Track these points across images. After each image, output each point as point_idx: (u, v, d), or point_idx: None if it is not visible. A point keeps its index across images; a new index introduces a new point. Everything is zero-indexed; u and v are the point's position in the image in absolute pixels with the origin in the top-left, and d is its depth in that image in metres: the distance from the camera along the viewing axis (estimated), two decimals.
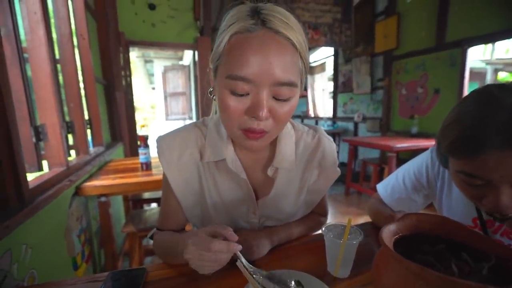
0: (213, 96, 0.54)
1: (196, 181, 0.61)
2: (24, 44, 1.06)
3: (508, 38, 2.27)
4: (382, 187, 0.79)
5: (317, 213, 0.74)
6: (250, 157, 0.61)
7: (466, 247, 0.32)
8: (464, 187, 0.50)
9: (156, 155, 0.62)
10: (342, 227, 0.54)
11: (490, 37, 2.38)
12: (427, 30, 2.90)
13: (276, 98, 0.45)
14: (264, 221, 0.66)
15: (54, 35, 1.35)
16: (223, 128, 0.58)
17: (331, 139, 0.67)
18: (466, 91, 2.65)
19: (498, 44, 2.64)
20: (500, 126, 0.41)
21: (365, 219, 0.79)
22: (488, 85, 0.48)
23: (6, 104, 0.75)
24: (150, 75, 8.35)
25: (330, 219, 0.68)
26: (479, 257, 0.30)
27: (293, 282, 0.45)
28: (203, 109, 3.17)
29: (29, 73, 1.09)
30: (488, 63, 5.50)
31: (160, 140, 0.60)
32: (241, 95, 0.44)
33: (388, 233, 0.33)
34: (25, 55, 1.08)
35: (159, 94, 6.61)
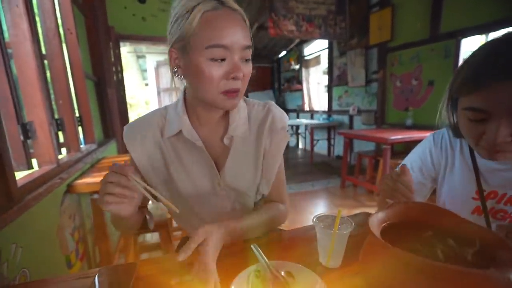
0: (180, 76, 0.60)
1: (159, 158, 0.66)
2: (7, 40, 1.03)
3: (502, 28, 2.26)
4: None
5: (276, 201, 0.75)
6: (206, 129, 0.66)
7: (453, 234, 0.31)
8: (467, 126, 0.55)
9: None
10: (333, 217, 0.54)
11: (483, 27, 2.38)
12: (421, 21, 2.89)
13: (243, 60, 0.56)
14: (232, 195, 0.69)
15: (40, 30, 1.32)
16: (180, 107, 0.64)
17: (282, 111, 0.71)
18: None
19: (492, 35, 2.63)
20: (505, 60, 0.46)
21: (362, 211, 0.79)
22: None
23: None
24: (143, 70, 8.22)
25: (326, 211, 0.68)
26: (464, 243, 0.29)
27: (284, 273, 0.45)
28: None
29: (14, 70, 1.06)
30: None
31: (126, 127, 0.67)
32: (220, 61, 0.53)
33: (376, 221, 0.33)
34: (9, 50, 1.05)
35: (153, 89, 6.53)
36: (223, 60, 0.53)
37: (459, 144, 0.71)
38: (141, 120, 0.68)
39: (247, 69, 0.57)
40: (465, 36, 2.54)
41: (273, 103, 0.72)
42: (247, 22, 0.58)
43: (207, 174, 0.66)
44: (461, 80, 0.54)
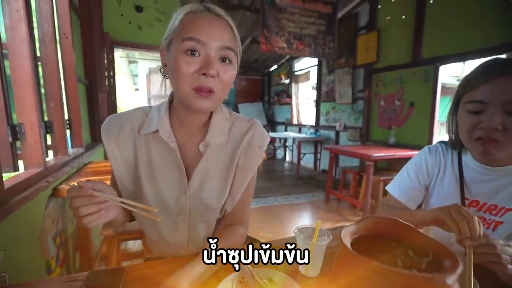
0: (165, 74, 0.61)
1: (131, 154, 0.65)
2: (4, 41, 1.04)
3: (477, 58, 2.44)
4: (391, 185, 0.90)
5: (236, 222, 0.71)
6: (185, 134, 0.66)
7: (412, 246, 0.37)
8: (466, 119, 0.68)
9: None
10: (313, 229, 0.58)
11: (460, 56, 2.58)
12: (404, 46, 3.10)
13: (222, 60, 0.56)
14: (195, 209, 0.65)
15: (36, 32, 1.33)
16: (163, 107, 0.65)
17: (265, 131, 0.71)
18: (438, 105, 2.83)
19: (468, 63, 2.84)
20: (503, 62, 0.63)
21: (343, 225, 0.85)
22: None
23: None
24: (134, 75, 8.16)
25: (309, 224, 0.70)
26: (421, 254, 0.35)
27: (266, 279, 0.48)
28: None
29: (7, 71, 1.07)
30: (458, 79, 5.94)
31: (107, 118, 0.66)
32: (193, 54, 0.54)
33: (348, 233, 0.37)
34: (4, 51, 1.06)
35: (143, 95, 6.50)
36: (194, 53, 0.53)
37: (450, 157, 0.81)
38: (123, 114, 0.67)
39: (225, 71, 0.56)
40: (443, 63, 2.74)
41: (258, 121, 0.71)
42: (234, 29, 0.59)
43: (176, 179, 0.64)
44: (467, 81, 0.69)
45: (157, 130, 0.62)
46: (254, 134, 0.68)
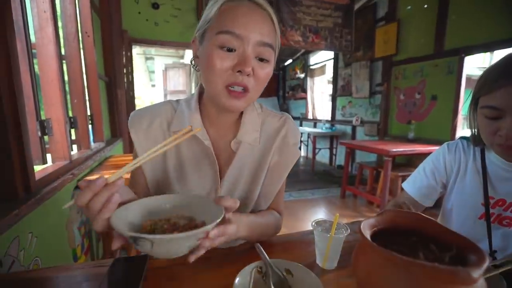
0: (196, 66, 0.58)
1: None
2: (33, 41, 1.10)
3: (505, 47, 2.31)
4: (406, 182, 0.88)
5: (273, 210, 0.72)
6: (215, 131, 0.63)
7: (434, 240, 0.36)
8: (484, 124, 0.64)
9: None
10: (331, 222, 0.58)
11: (487, 46, 2.43)
12: (426, 37, 2.96)
13: (259, 58, 0.52)
14: None
15: (60, 32, 1.39)
16: (193, 102, 0.62)
17: (297, 127, 0.69)
18: (462, 98, 2.70)
19: (496, 53, 2.67)
20: None
21: (360, 220, 0.84)
22: None
23: (17, 99, 0.79)
24: (151, 72, 8.36)
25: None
26: (444, 248, 0.34)
27: (283, 270, 0.49)
28: None
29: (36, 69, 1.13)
30: None
31: (133, 113, 0.64)
32: (229, 50, 0.50)
33: (367, 225, 0.37)
34: (33, 51, 1.12)
35: (159, 91, 6.64)
36: (231, 50, 0.49)
37: (472, 153, 0.77)
38: (149, 108, 0.64)
39: (262, 70, 0.53)
40: (469, 54, 2.59)
41: (290, 116, 0.69)
42: (274, 21, 0.54)
43: (208, 178, 0.62)
44: (482, 82, 0.64)
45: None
46: (288, 131, 0.66)
